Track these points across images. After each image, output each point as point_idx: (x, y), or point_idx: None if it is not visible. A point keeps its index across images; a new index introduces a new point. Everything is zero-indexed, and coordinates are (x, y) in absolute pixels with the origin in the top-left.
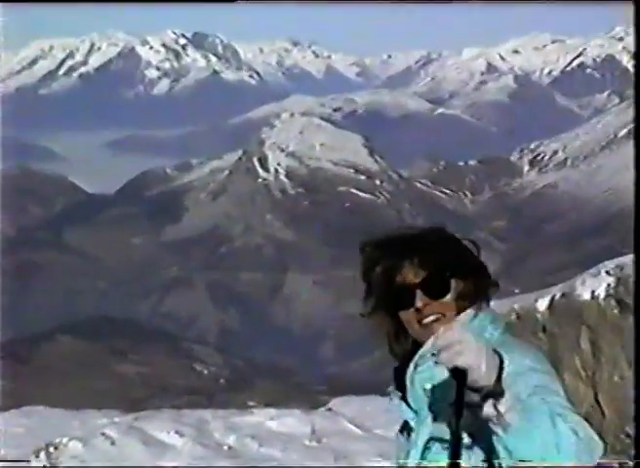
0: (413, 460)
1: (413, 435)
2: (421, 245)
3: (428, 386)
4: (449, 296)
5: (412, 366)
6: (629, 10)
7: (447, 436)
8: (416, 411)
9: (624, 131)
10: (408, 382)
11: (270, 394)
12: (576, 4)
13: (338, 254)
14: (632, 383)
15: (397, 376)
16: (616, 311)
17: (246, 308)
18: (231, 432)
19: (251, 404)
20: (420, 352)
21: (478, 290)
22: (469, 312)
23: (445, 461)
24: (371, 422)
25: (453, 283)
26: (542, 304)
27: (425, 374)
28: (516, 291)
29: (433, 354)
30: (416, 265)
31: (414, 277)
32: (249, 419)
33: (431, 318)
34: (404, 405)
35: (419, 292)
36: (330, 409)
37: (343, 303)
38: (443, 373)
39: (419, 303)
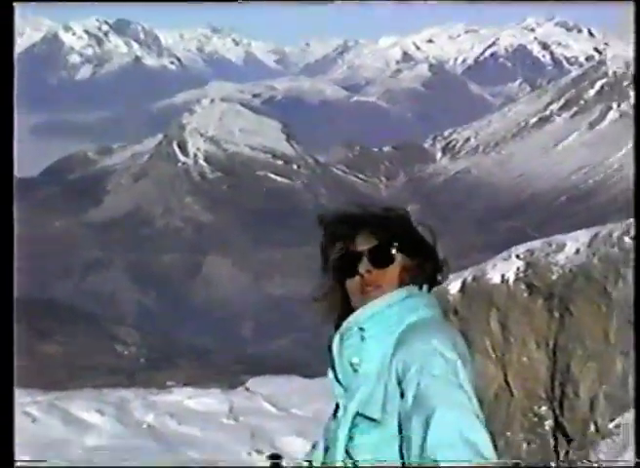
0: (341, 435)
1: (340, 412)
2: (377, 219)
3: (356, 360)
4: (392, 267)
5: (337, 336)
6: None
7: (376, 414)
8: (344, 386)
9: (535, 119)
10: (335, 354)
11: (189, 374)
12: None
13: (256, 237)
14: (540, 364)
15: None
16: (525, 294)
17: (166, 289)
18: (151, 410)
19: (170, 383)
20: (346, 323)
21: (422, 269)
22: (404, 289)
23: (369, 440)
24: (287, 401)
25: (398, 256)
26: (454, 287)
27: (353, 349)
28: None
29: (361, 328)
30: (367, 235)
31: (363, 245)
32: (168, 398)
33: (372, 287)
34: (333, 377)
35: (364, 260)
36: (247, 389)
37: (262, 284)
38: (370, 349)
39: (362, 269)
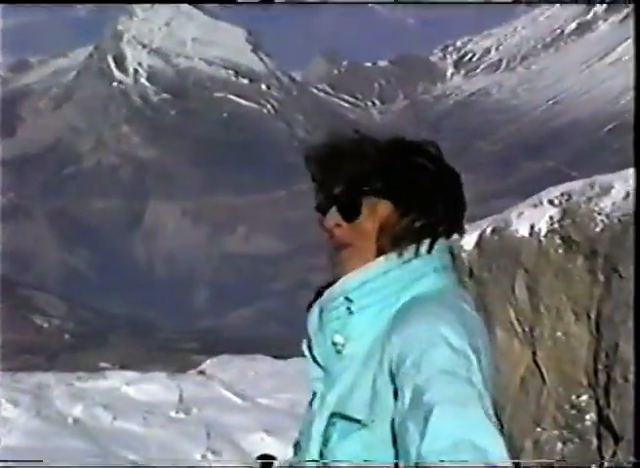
0: (316, 434)
1: (316, 401)
2: (360, 153)
3: (340, 339)
4: (361, 221)
5: (316, 308)
6: None
7: (357, 414)
8: (324, 368)
9: (573, 24)
10: (314, 330)
11: (128, 353)
12: None
13: (212, 177)
14: (580, 340)
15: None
16: (560, 251)
17: (97, 245)
18: (78, 400)
19: (103, 365)
20: (329, 291)
21: (412, 228)
22: (393, 255)
23: (350, 446)
24: (253, 389)
25: (381, 205)
26: (469, 242)
27: (337, 324)
28: None
29: (347, 298)
30: (342, 176)
31: (337, 189)
32: (100, 385)
33: (338, 244)
34: (310, 357)
35: (332, 210)
36: (202, 373)
37: (220, 238)
38: (359, 325)
39: (329, 223)
